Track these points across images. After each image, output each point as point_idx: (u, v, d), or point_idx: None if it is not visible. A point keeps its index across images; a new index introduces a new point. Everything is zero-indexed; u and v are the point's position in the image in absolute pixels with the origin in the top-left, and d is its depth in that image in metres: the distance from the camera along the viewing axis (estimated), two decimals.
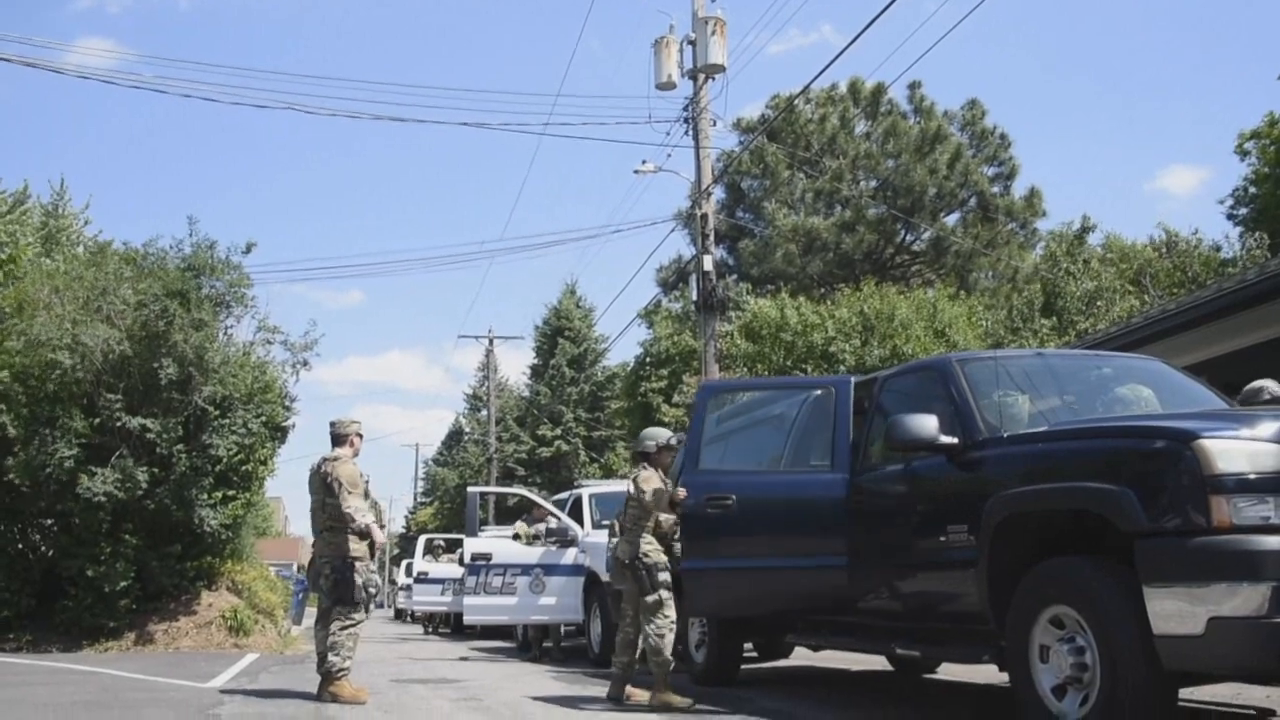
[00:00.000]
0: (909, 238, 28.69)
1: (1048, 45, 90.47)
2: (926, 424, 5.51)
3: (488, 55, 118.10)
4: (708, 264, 17.53)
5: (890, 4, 10.89)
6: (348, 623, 7.51)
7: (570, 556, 11.84)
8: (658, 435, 7.45)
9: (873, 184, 28.44)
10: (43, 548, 14.00)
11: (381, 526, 7.97)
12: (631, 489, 7.27)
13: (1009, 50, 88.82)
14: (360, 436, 8.03)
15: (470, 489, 14.31)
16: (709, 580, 6.90)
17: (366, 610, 7.69)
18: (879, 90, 27.80)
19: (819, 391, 7.23)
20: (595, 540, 11.45)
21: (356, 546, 7.53)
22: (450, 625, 22.51)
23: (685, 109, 18.02)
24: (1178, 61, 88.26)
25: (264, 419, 13.99)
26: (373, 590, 7.66)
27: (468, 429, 54.04)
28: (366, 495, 7.86)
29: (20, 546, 13.76)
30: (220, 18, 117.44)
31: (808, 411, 7.22)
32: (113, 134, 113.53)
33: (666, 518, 7.29)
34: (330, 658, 7.45)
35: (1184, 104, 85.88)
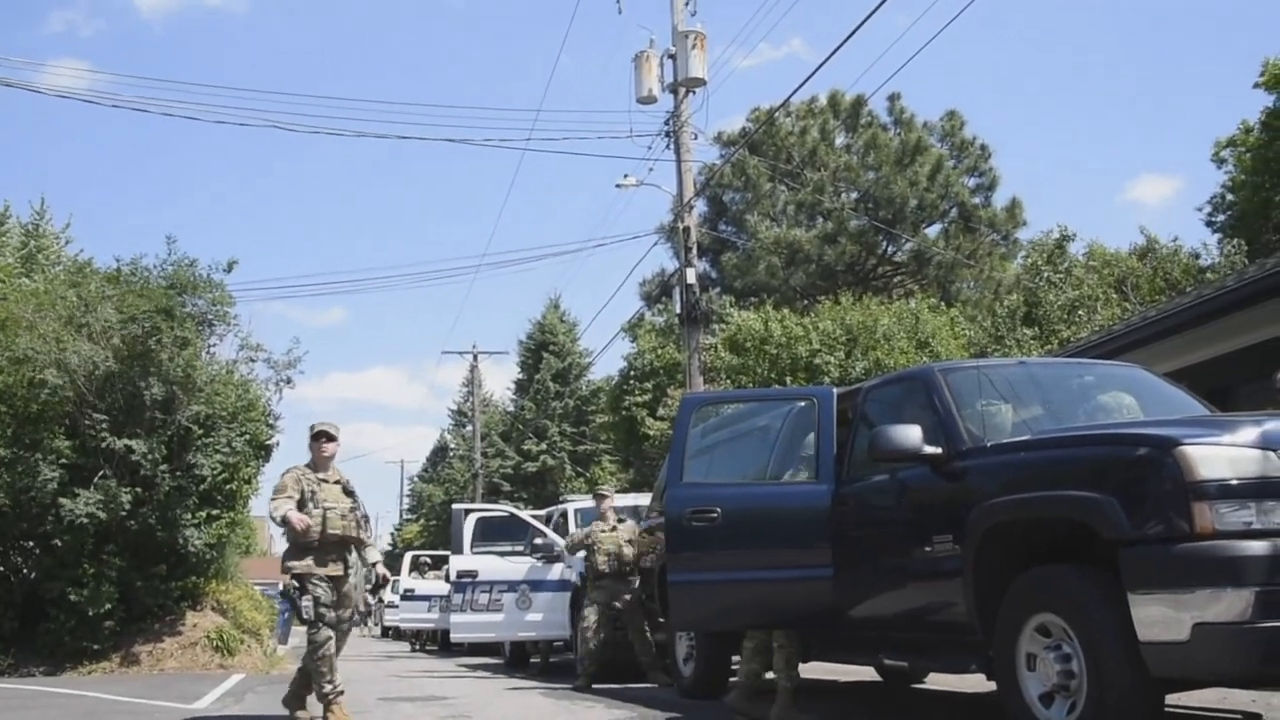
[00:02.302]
0: (891, 249, 28.82)
1: (1017, 57, 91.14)
2: (910, 434, 5.52)
3: (469, 72, 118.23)
4: (691, 277, 17.57)
5: (867, 18, 11.02)
6: (309, 646, 7.17)
7: (556, 572, 11.81)
8: None
9: (854, 196, 28.56)
10: (24, 570, 13.89)
11: (365, 540, 7.48)
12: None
13: (979, 61, 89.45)
14: (315, 437, 7.45)
15: (455, 506, 14.28)
16: (694, 593, 6.89)
17: (331, 625, 7.13)
18: (859, 102, 27.97)
19: (802, 403, 7.24)
20: (581, 556, 11.43)
21: (300, 564, 7.11)
22: (437, 642, 22.42)
23: (666, 123, 18.09)
24: (1146, 71, 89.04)
25: (248, 437, 13.94)
26: (325, 607, 7.06)
27: (453, 445, 53.97)
28: (349, 494, 7.39)
29: (1, 569, 13.65)
30: (194, 40, 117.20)
31: (791, 423, 7.23)
32: (93, 154, 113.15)
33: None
34: (314, 686, 7.22)
35: (1153, 113, 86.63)
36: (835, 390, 7.12)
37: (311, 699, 7.37)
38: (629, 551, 10.31)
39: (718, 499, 6.87)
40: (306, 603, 7.06)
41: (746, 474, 7.70)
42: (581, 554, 10.68)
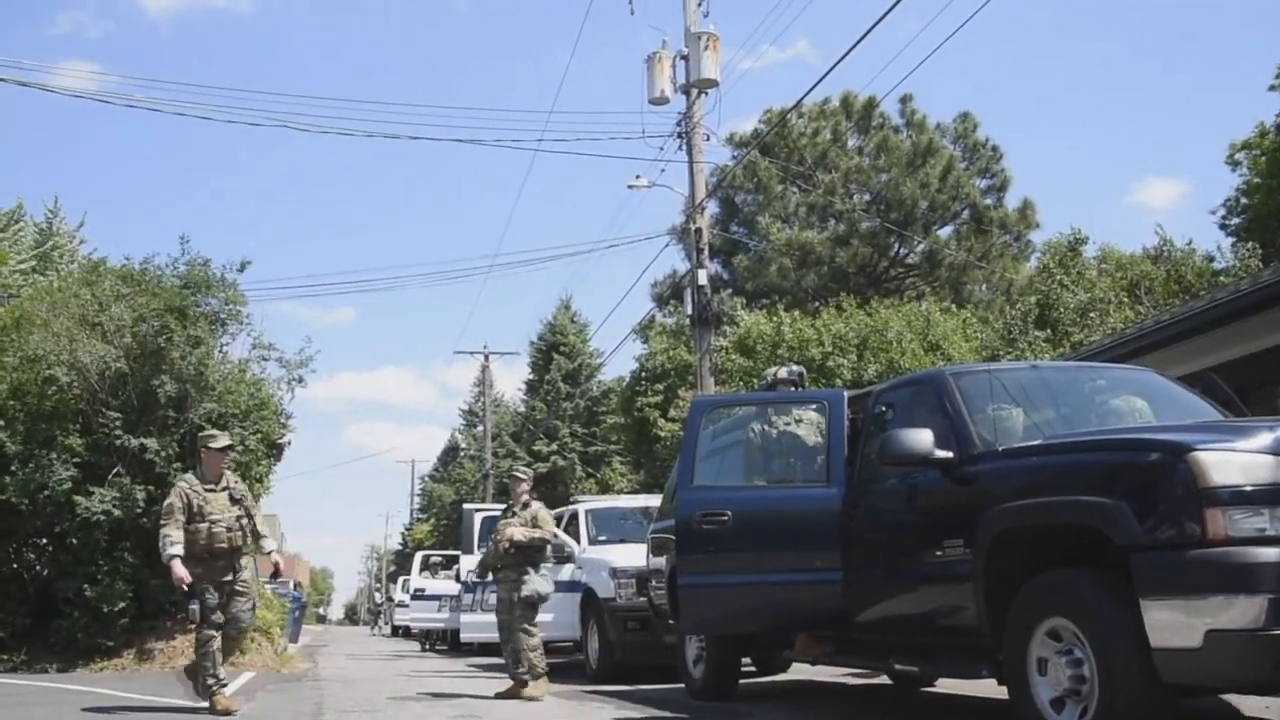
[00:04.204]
0: (903, 251, 28.75)
1: (1022, 62, 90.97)
2: (921, 438, 5.51)
3: (481, 73, 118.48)
4: (702, 278, 17.56)
5: (881, 18, 11.02)
6: (197, 644, 7.70)
7: (567, 573, 11.81)
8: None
9: (865, 198, 28.51)
10: (37, 567, 13.95)
11: (266, 551, 8.12)
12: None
13: (985, 64, 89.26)
14: (210, 449, 7.86)
15: (466, 506, 14.31)
16: (705, 596, 6.91)
17: (215, 627, 7.70)
18: (870, 104, 27.91)
19: (813, 406, 7.23)
20: (592, 557, 11.45)
21: (196, 573, 7.53)
22: (447, 642, 22.45)
23: (678, 124, 18.08)
24: (1154, 75, 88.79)
25: (260, 436, 13.98)
26: (210, 610, 7.60)
27: (464, 445, 54.05)
28: (236, 502, 7.75)
29: (15, 566, 13.71)
30: (201, 41, 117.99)
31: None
32: (106, 155, 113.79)
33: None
34: (200, 680, 7.70)
35: (1159, 117, 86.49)
36: (846, 393, 7.11)
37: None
38: (504, 542, 9.14)
39: (728, 502, 6.88)
40: (194, 606, 7.56)
41: (757, 477, 7.69)
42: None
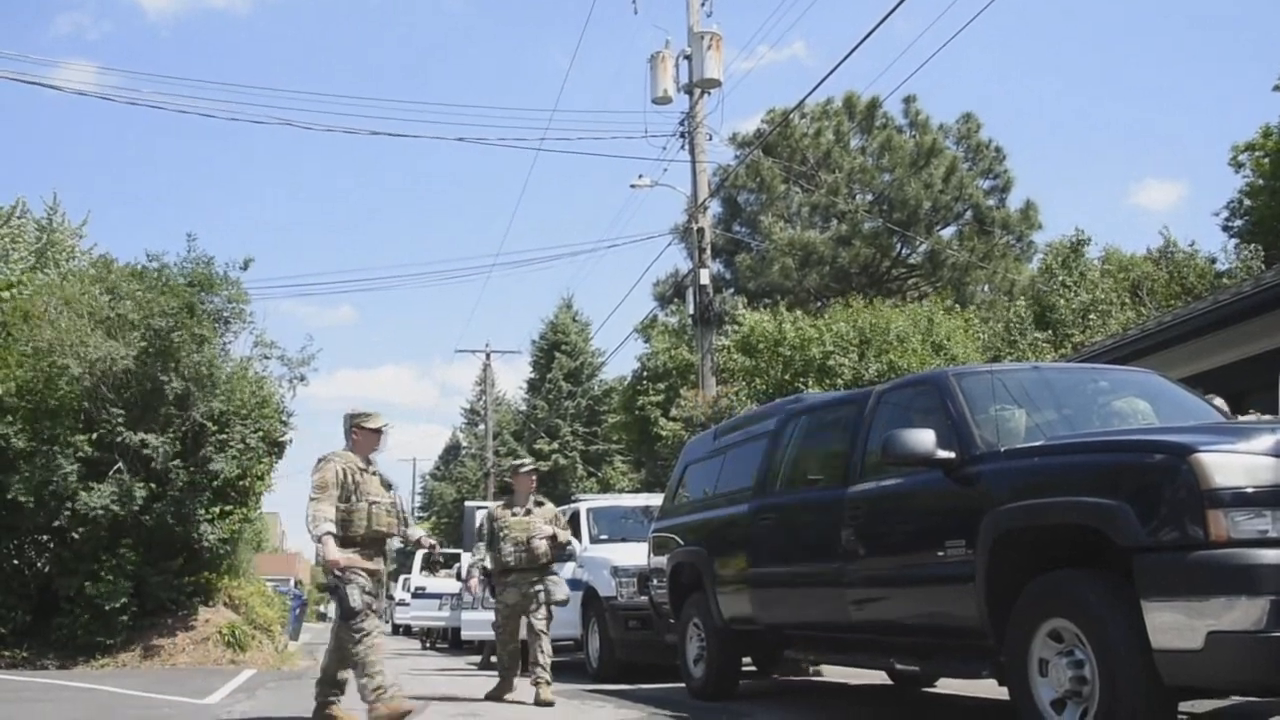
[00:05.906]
0: (905, 251, 28.76)
1: (1022, 63, 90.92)
2: (923, 438, 5.50)
3: (484, 71, 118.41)
4: (704, 278, 17.58)
5: (885, 19, 11.03)
6: (359, 634, 6.62)
7: (568, 571, 11.81)
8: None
9: (868, 198, 28.52)
10: (39, 564, 13.97)
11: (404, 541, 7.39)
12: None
13: (985, 64, 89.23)
14: (365, 429, 7.06)
15: (468, 504, 14.31)
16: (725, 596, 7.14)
17: (379, 617, 7.02)
18: (874, 104, 27.91)
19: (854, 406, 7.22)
20: (593, 555, 11.46)
21: (343, 556, 6.61)
22: (448, 640, 22.45)
23: (681, 123, 18.12)
24: (1153, 76, 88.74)
25: (261, 434, 14.00)
26: (369, 599, 6.71)
27: (465, 443, 54.11)
28: (388, 487, 7.05)
29: (16, 563, 13.73)
30: (201, 42, 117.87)
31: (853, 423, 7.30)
32: (106, 152, 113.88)
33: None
34: (360, 680, 6.69)
35: (1158, 119, 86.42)
36: (874, 391, 7.08)
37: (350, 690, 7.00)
38: (541, 543, 8.75)
39: (771, 505, 7.17)
40: (353, 592, 6.62)
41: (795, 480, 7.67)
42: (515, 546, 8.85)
